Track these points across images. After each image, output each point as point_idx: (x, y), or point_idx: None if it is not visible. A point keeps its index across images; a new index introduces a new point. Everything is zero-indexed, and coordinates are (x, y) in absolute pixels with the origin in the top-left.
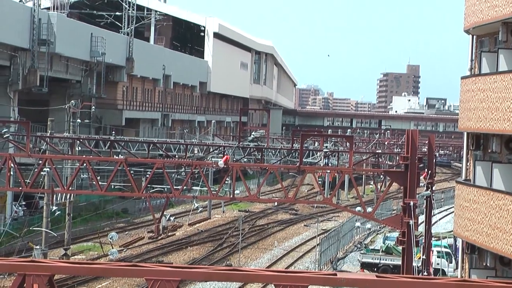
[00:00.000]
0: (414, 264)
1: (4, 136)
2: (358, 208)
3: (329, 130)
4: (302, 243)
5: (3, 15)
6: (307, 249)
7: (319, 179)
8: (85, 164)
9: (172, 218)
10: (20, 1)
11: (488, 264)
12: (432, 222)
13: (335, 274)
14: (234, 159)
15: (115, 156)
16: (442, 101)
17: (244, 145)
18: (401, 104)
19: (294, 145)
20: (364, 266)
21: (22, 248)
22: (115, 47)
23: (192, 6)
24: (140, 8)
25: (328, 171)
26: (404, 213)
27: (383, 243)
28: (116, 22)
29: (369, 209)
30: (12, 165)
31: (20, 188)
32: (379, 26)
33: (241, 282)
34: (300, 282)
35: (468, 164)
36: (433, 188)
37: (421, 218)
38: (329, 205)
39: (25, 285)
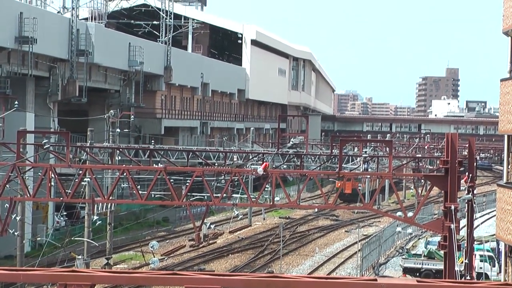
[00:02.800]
0: (456, 268)
1: (45, 147)
2: (399, 213)
3: (368, 135)
4: (343, 249)
5: (42, 26)
6: (348, 255)
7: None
8: (125, 174)
9: (212, 226)
10: (58, 12)
11: None
12: (474, 226)
13: (375, 280)
14: (274, 166)
15: (154, 165)
16: (482, 104)
17: (283, 152)
18: (440, 108)
19: (333, 151)
20: (406, 271)
21: (64, 258)
22: (153, 56)
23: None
24: (177, 16)
25: (368, 176)
26: (445, 217)
27: (425, 247)
28: (154, 31)
29: (410, 214)
30: (52, 175)
31: (61, 198)
32: (418, 30)
33: None
34: None
35: (509, 167)
36: (474, 192)
37: (463, 222)
38: (369, 210)
39: None
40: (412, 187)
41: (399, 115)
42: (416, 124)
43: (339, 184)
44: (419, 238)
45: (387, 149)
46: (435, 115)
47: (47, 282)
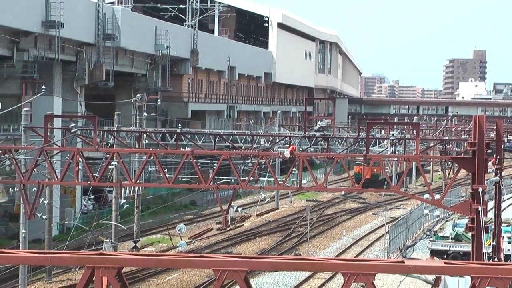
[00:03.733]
0: (484, 250)
1: (72, 131)
2: (426, 196)
3: (395, 118)
4: (370, 232)
5: (68, 11)
6: (375, 238)
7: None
8: (152, 157)
9: (239, 209)
10: None
11: None
12: (502, 208)
13: (403, 262)
14: (300, 149)
15: (181, 148)
16: (510, 86)
17: (310, 135)
18: (467, 90)
19: (360, 133)
20: (434, 253)
21: (92, 241)
22: (179, 40)
23: None
24: (203, 0)
25: (395, 159)
26: (472, 199)
27: (452, 230)
28: (180, 15)
29: (437, 196)
30: (80, 159)
31: (89, 182)
32: (444, 12)
33: (308, 271)
34: (367, 270)
35: None
36: (502, 174)
37: (490, 204)
38: (396, 193)
39: (94, 278)
40: (440, 170)
41: (426, 97)
42: (443, 106)
43: (357, 169)
44: (447, 221)
45: (414, 131)
46: (462, 97)
47: (75, 265)
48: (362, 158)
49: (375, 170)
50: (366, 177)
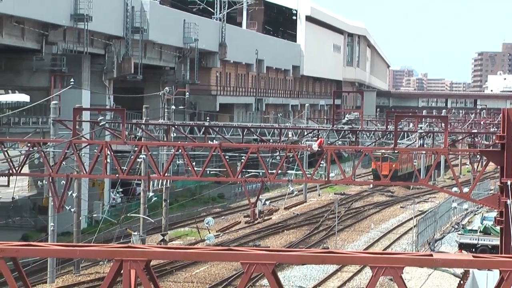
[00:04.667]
0: None
1: (100, 124)
2: (455, 189)
3: (424, 111)
4: (398, 225)
5: (97, 4)
6: (404, 231)
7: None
8: (180, 150)
9: (267, 202)
10: None
11: None
12: None
13: (431, 255)
14: (328, 142)
15: (209, 141)
16: None
17: (338, 128)
18: (496, 83)
19: (388, 126)
20: (462, 247)
21: (120, 234)
22: (207, 33)
23: None
24: None
25: (424, 152)
26: (501, 192)
27: (481, 223)
28: (208, 8)
29: (466, 190)
30: (108, 152)
31: (117, 175)
32: (473, 4)
33: (336, 264)
34: (395, 264)
35: None
36: None
37: None
38: (425, 186)
39: (122, 270)
40: (468, 163)
41: (455, 90)
42: (472, 99)
43: (374, 166)
44: (475, 214)
45: (443, 124)
46: (491, 90)
47: (103, 258)
48: (379, 153)
49: (394, 166)
50: (384, 173)
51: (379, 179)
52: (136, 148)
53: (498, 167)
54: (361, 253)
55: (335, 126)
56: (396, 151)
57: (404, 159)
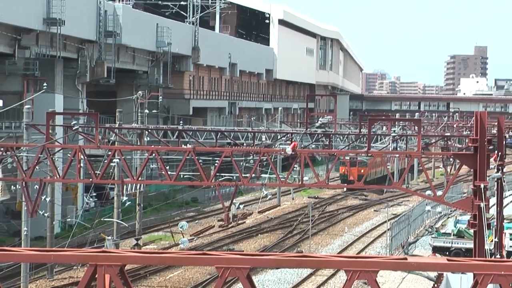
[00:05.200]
0: (486, 247)
1: (74, 128)
2: (428, 192)
3: (397, 114)
4: (372, 228)
5: (70, 8)
6: (377, 234)
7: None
8: (154, 154)
9: (241, 206)
10: None
11: None
12: (504, 204)
13: (406, 259)
14: (302, 146)
15: (183, 145)
16: (511, 82)
17: (311, 131)
18: (469, 86)
19: (362, 130)
20: (436, 250)
21: (94, 239)
22: (180, 36)
23: None
24: None
25: (397, 155)
26: (474, 196)
27: (455, 226)
28: (181, 12)
29: (439, 193)
30: (82, 157)
31: (91, 179)
32: (445, 8)
33: (311, 268)
34: (370, 267)
35: None
36: (504, 170)
37: (492, 200)
38: (398, 189)
39: (97, 275)
40: (441, 166)
41: (428, 93)
42: (445, 102)
43: (343, 170)
44: (449, 217)
45: (416, 128)
46: (464, 93)
47: (78, 262)
48: (348, 158)
49: (362, 171)
50: (352, 178)
51: (347, 184)
52: (109, 152)
53: (471, 170)
54: (336, 256)
55: (308, 129)
56: (369, 155)
57: (373, 163)
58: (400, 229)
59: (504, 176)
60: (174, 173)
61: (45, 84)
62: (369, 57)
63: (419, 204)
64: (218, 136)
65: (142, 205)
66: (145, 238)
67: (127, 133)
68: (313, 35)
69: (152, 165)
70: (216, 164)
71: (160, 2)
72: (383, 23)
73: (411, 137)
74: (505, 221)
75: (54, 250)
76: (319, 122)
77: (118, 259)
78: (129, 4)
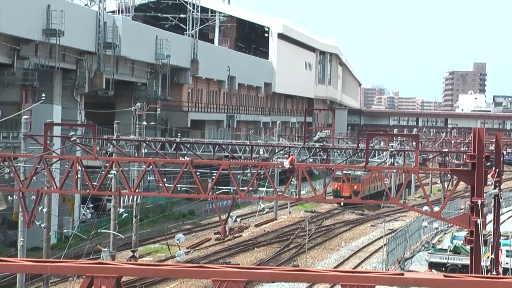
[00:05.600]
0: (482, 263)
1: (72, 139)
2: (425, 208)
3: (395, 130)
4: (369, 243)
5: (69, 19)
6: (374, 249)
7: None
8: (151, 166)
9: (238, 219)
10: (85, 5)
11: None
12: (500, 221)
13: (402, 274)
14: (300, 160)
15: (181, 158)
16: (509, 99)
17: (309, 146)
18: (467, 102)
19: (359, 145)
20: (432, 266)
21: (90, 250)
22: (180, 49)
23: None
24: (204, 10)
25: (394, 170)
26: (471, 212)
27: (451, 242)
28: (181, 24)
29: (436, 209)
30: (79, 168)
31: (88, 190)
32: (445, 24)
33: (308, 282)
34: (366, 282)
35: None
36: (501, 187)
37: (489, 217)
38: (395, 204)
39: (93, 287)
40: (439, 182)
41: (426, 109)
42: (443, 118)
43: (336, 186)
44: (445, 233)
45: (414, 143)
46: (462, 109)
47: (74, 274)
48: (340, 173)
49: (355, 187)
50: (345, 194)
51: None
52: (107, 164)
53: (469, 186)
54: (332, 271)
55: (306, 143)
56: (366, 170)
57: (368, 179)
58: (397, 245)
59: (501, 192)
60: (172, 185)
61: (43, 94)
62: (367, 72)
63: (416, 219)
64: (216, 149)
65: (139, 217)
66: (142, 250)
67: (125, 144)
68: (312, 49)
69: (150, 177)
70: (213, 177)
71: (159, 14)
72: (382, 38)
73: (409, 153)
74: (501, 238)
75: (51, 261)
76: (317, 136)
77: (115, 271)
78: (128, 16)
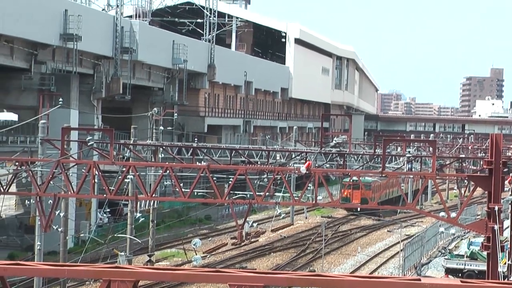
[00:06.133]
0: (499, 269)
1: (89, 144)
2: (442, 213)
3: (412, 135)
4: (385, 249)
5: (86, 24)
6: (390, 255)
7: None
8: (168, 171)
9: (255, 225)
10: (103, 10)
11: None
12: None
13: (419, 280)
14: (316, 165)
15: (197, 162)
16: None
17: (326, 151)
18: (484, 108)
19: (376, 150)
20: (449, 271)
21: (107, 254)
22: (196, 54)
23: (272, 12)
24: (221, 15)
25: (411, 176)
26: (488, 218)
27: (468, 248)
28: (198, 29)
29: (453, 214)
30: (96, 172)
31: (105, 195)
32: (462, 30)
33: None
34: None
35: None
36: None
37: (506, 223)
38: (412, 210)
39: None
40: (456, 188)
41: (443, 115)
42: (460, 124)
43: (345, 193)
44: (462, 239)
45: (431, 149)
46: (479, 115)
47: (92, 278)
48: (350, 180)
49: (366, 194)
50: (355, 201)
51: (350, 208)
52: (124, 169)
53: (486, 192)
54: (349, 276)
55: (323, 149)
56: (383, 175)
57: (382, 185)
58: (413, 250)
59: None
60: (188, 190)
61: (60, 99)
62: (384, 77)
63: (433, 225)
64: (232, 154)
65: (155, 222)
66: (158, 255)
67: (142, 149)
68: (329, 54)
69: (166, 182)
70: (230, 182)
71: (176, 19)
72: (399, 43)
73: (426, 158)
74: None
75: (69, 265)
76: (334, 141)
77: (132, 275)
78: (145, 21)
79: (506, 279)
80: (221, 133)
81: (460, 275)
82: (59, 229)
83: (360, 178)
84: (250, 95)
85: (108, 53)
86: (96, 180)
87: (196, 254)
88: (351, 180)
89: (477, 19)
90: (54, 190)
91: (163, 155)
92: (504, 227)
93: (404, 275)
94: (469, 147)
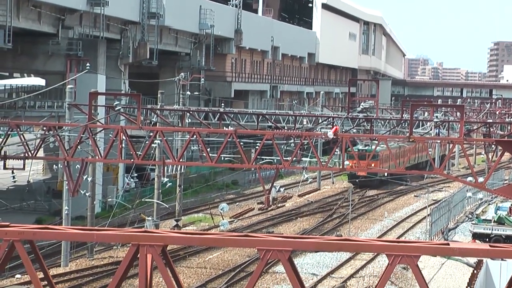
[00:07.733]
0: None
1: (116, 109)
2: (470, 178)
3: (439, 100)
4: (412, 214)
5: None
6: (417, 220)
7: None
8: (195, 136)
9: (282, 189)
10: None
11: None
12: None
13: (448, 244)
14: (343, 130)
15: (224, 128)
16: None
17: (353, 116)
18: None
19: (403, 115)
20: (476, 236)
21: (134, 219)
22: (223, 19)
23: None
24: None
25: (439, 141)
26: None
27: (495, 213)
28: None
29: (481, 179)
30: (123, 137)
31: (132, 160)
32: None
33: (353, 252)
34: (412, 252)
35: None
36: None
37: None
38: (440, 175)
39: (139, 255)
40: (483, 153)
41: (470, 80)
42: (488, 89)
43: (350, 166)
44: (489, 204)
45: (458, 114)
46: (507, 80)
47: (120, 242)
48: (356, 150)
49: (373, 164)
50: (360, 174)
51: (355, 180)
52: (151, 134)
53: None
54: (377, 241)
55: (350, 114)
56: (411, 140)
57: (386, 156)
58: (440, 215)
59: None
60: (215, 155)
61: (88, 64)
62: (412, 42)
63: (460, 190)
64: (259, 119)
65: (182, 187)
66: (185, 220)
67: (169, 114)
68: (356, 19)
69: (193, 147)
70: (257, 147)
71: None
72: (426, 8)
73: (453, 124)
74: None
75: (97, 230)
76: (361, 106)
77: (161, 239)
78: None
79: None
80: (248, 98)
81: (487, 240)
82: (87, 194)
83: (367, 146)
84: (277, 60)
85: (135, 18)
86: (123, 145)
87: (223, 219)
88: (356, 150)
89: None
90: (82, 155)
91: (190, 120)
92: None
93: (431, 240)
94: (497, 112)
